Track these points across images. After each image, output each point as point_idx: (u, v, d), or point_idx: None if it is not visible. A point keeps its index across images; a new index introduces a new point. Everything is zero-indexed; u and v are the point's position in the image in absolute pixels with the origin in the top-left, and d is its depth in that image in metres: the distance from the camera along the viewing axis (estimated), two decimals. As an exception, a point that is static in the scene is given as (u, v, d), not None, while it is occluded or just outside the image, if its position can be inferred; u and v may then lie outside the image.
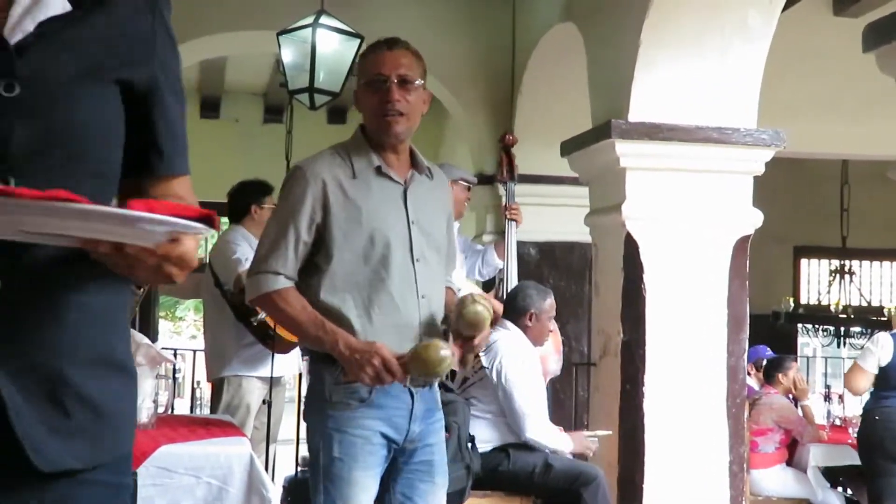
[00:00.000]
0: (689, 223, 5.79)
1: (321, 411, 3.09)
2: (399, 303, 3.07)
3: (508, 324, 5.10)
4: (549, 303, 5.20)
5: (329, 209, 3.08)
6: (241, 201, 5.91)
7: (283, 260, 3.09)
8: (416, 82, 3.13)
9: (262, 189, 5.93)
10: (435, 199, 3.25)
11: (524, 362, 5.00)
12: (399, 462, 3.14)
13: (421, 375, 3.00)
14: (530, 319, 5.11)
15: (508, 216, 5.71)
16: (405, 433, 3.10)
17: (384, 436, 3.08)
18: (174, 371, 3.29)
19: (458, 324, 3.12)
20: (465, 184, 5.77)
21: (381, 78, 3.11)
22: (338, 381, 3.06)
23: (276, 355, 5.66)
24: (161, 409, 3.06)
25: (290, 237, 3.09)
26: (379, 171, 3.14)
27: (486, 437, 4.87)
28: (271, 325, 5.52)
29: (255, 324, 5.58)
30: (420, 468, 3.16)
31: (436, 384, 3.23)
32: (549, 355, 5.51)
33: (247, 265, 5.51)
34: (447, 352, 2.95)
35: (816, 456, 7.45)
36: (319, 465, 3.08)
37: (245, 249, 5.68)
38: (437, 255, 3.20)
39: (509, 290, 5.62)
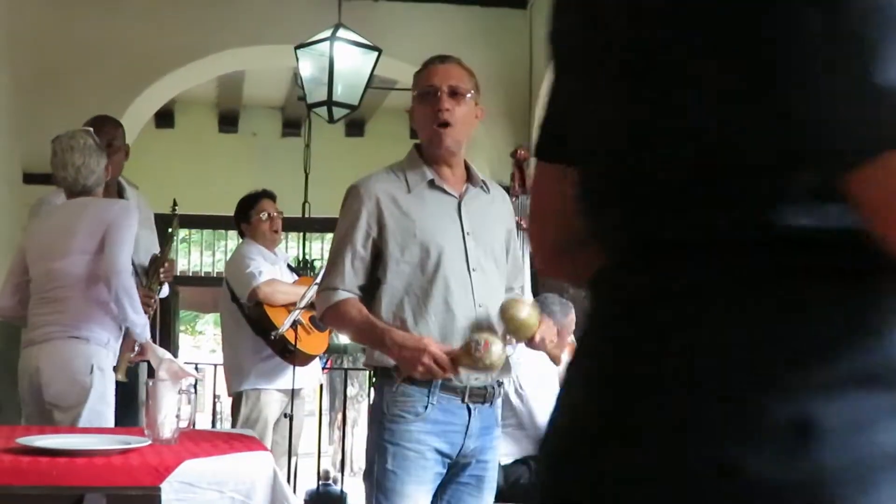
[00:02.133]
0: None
1: (378, 423, 3.11)
2: (456, 312, 3.09)
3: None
4: (571, 318, 5.18)
5: (384, 224, 3.13)
6: (237, 219, 5.94)
7: (340, 275, 3.15)
8: (467, 95, 3.19)
9: (246, 204, 5.92)
10: (493, 213, 3.29)
11: (541, 374, 4.98)
12: (450, 473, 3.15)
13: (471, 369, 3.00)
14: (552, 334, 5.09)
15: (524, 228, 5.68)
16: (459, 448, 3.11)
17: (438, 451, 3.08)
18: (195, 386, 3.31)
19: (509, 331, 3.12)
20: None
21: (432, 89, 3.16)
22: (394, 394, 3.08)
23: (299, 368, 5.68)
24: (184, 424, 3.06)
25: (347, 253, 3.15)
26: (432, 184, 3.19)
27: (506, 450, 4.86)
28: (290, 339, 5.54)
29: (274, 338, 5.59)
30: (470, 482, 3.18)
31: (498, 401, 3.23)
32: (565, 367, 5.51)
33: (261, 279, 5.54)
34: (498, 347, 2.95)
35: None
36: (374, 476, 3.10)
37: (259, 262, 5.69)
38: (494, 265, 3.22)
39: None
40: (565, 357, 5.46)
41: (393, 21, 7.60)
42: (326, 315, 3.21)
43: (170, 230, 5.04)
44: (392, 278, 3.12)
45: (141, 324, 4.31)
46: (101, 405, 4.20)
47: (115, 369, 4.59)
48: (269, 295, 5.61)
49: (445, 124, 3.14)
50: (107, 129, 4.91)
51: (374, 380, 3.29)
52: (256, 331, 5.67)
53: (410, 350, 2.99)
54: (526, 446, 4.92)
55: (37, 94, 7.12)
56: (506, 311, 3.08)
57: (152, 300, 4.71)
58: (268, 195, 5.93)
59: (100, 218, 4.27)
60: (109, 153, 4.80)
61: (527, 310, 3.10)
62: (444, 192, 3.20)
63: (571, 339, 5.27)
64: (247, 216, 5.88)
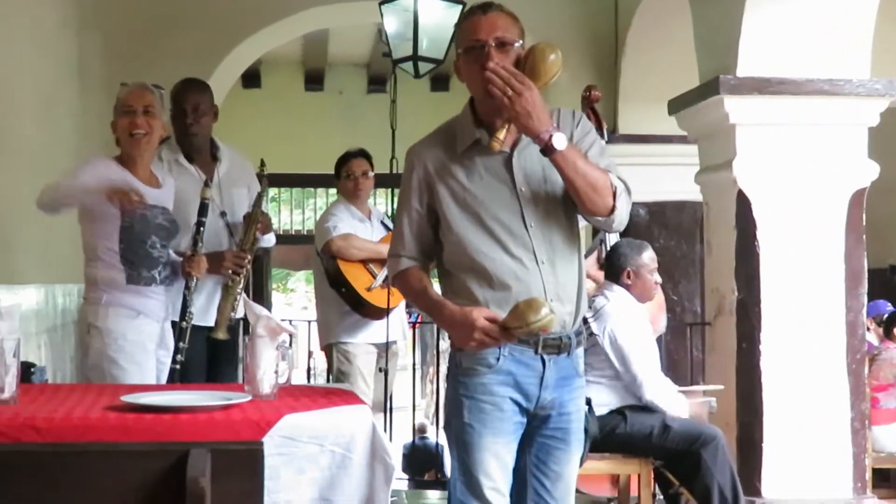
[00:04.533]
0: (802, 178, 5.70)
1: (454, 378, 3.10)
2: (517, 271, 3.00)
3: (613, 286, 5.03)
4: (648, 256, 5.08)
5: (435, 189, 3.08)
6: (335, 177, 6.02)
7: (402, 242, 3.14)
8: (515, 44, 3.04)
9: (338, 163, 6.00)
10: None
11: (634, 323, 4.95)
12: (532, 427, 3.10)
13: (523, 333, 2.93)
14: (629, 277, 5.02)
15: None
16: (536, 400, 3.06)
17: (514, 402, 3.04)
18: (290, 341, 3.32)
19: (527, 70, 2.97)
20: None
21: (478, 44, 3.03)
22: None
23: (382, 321, 5.77)
24: (281, 380, 3.10)
25: (405, 219, 3.14)
26: (478, 143, 3.08)
27: (602, 400, 4.84)
28: (359, 292, 5.62)
29: (343, 291, 5.68)
30: (556, 434, 3.11)
31: (578, 351, 3.16)
32: (655, 314, 5.45)
33: (335, 233, 5.60)
34: (546, 310, 2.88)
35: (940, 411, 7.29)
36: (452, 430, 3.10)
37: (340, 218, 5.79)
38: (562, 215, 3.10)
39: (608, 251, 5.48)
40: (658, 298, 5.43)
41: (476, -27, 7.54)
42: (394, 282, 3.23)
43: (258, 190, 5.06)
44: (451, 242, 3.08)
45: (64, 198, 4.24)
46: (104, 362, 4.14)
47: (217, 327, 4.65)
48: (343, 249, 5.68)
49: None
50: (189, 96, 4.93)
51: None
52: (331, 284, 5.76)
53: (459, 326, 2.96)
54: (622, 396, 4.90)
55: (127, 58, 7.21)
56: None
57: (245, 260, 4.72)
58: (361, 154, 5.99)
59: None
60: (196, 117, 4.88)
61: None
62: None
63: (657, 277, 5.18)
64: (337, 174, 5.97)
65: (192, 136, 4.89)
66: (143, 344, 4.22)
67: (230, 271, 4.66)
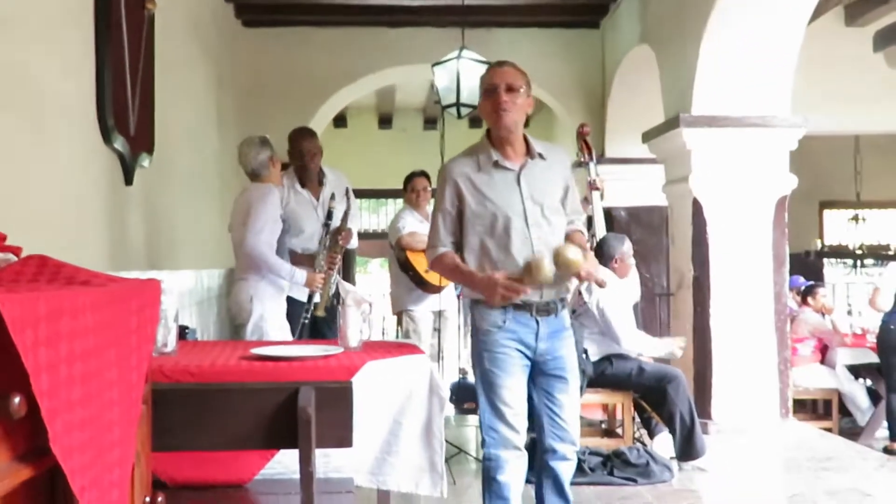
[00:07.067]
0: (740, 188, 5.65)
1: (475, 337, 3.11)
2: (519, 261, 3.01)
3: (601, 267, 4.96)
4: (627, 245, 5.03)
5: (463, 197, 3.07)
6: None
7: (437, 235, 3.13)
8: (520, 89, 3.06)
9: (405, 180, 6.03)
10: (550, 176, 3.14)
11: (615, 295, 4.91)
12: (536, 370, 3.10)
13: (533, 284, 2.93)
14: (616, 262, 4.98)
15: (597, 188, 5.51)
16: (534, 349, 3.06)
17: (519, 351, 3.06)
18: (370, 309, 3.32)
19: (559, 267, 3.01)
20: None
21: (493, 87, 3.06)
22: (482, 314, 3.07)
23: (438, 295, 5.89)
24: (364, 337, 3.10)
25: (440, 218, 3.12)
26: (496, 164, 3.09)
27: (594, 350, 4.82)
28: (421, 274, 5.71)
29: (410, 273, 5.75)
30: (554, 373, 3.11)
31: (563, 312, 3.15)
32: (631, 287, 5.40)
33: (404, 231, 5.65)
34: (546, 262, 2.88)
35: (843, 356, 7.20)
36: (478, 375, 3.11)
37: (407, 221, 5.86)
38: (553, 217, 3.10)
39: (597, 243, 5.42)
40: (631, 275, 5.36)
41: (503, 42, 7.54)
42: (433, 265, 3.19)
43: (347, 210, 5.09)
44: (471, 237, 3.07)
45: (282, 277, 4.29)
46: (262, 322, 4.24)
47: (317, 307, 4.67)
48: (409, 242, 5.77)
49: (504, 111, 3.04)
50: (303, 142, 5.00)
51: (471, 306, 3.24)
52: (401, 269, 5.84)
53: (486, 287, 2.97)
54: (608, 347, 4.87)
55: (251, 108, 7.26)
56: (558, 255, 2.98)
57: (336, 257, 4.75)
58: (422, 174, 6.02)
59: (245, 200, 4.32)
60: (309, 158, 4.97)
61: (572, 251, 2.99)
62: (506, 168, 3.09)
63: (632, 261, 5.13)
64: (405, 189, 6.01)
65: (306, 171, 4.98)
66: (284, 312, 4.39)
67: (326, 267, 4.71)
